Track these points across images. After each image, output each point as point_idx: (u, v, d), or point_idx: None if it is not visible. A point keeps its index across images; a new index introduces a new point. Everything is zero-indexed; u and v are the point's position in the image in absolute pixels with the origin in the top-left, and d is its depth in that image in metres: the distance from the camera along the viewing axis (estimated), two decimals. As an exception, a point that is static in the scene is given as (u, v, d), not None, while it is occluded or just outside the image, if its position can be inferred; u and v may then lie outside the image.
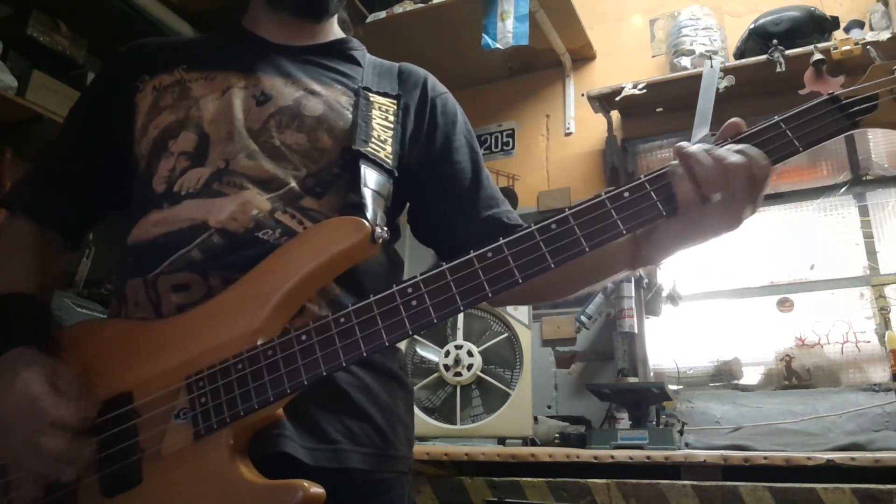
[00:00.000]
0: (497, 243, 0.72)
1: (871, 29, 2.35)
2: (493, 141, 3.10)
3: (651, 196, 0.71)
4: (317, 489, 0.66)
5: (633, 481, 1.69)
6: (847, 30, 2.39)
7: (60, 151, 1.00)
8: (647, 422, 2.06)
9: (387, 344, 0.71)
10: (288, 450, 0.73)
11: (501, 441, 2.15)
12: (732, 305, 2.53)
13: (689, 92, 2.38)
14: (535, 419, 2.21)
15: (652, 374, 2.53)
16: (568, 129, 2.95)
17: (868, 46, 2.19)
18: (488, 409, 2.19)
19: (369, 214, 0.81)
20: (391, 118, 0.93)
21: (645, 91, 2.53)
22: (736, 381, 2.42)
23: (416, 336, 2.26)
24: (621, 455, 1.77)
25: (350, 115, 0.90)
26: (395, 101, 0.95)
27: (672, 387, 2.39)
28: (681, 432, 2.03)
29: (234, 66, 0.93)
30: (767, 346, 2.43)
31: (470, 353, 2.23)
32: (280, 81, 0.92)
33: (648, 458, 1.75)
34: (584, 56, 3.00)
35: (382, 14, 2.70)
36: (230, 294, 0.77)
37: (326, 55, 0.98)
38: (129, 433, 0.74)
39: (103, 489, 0.73)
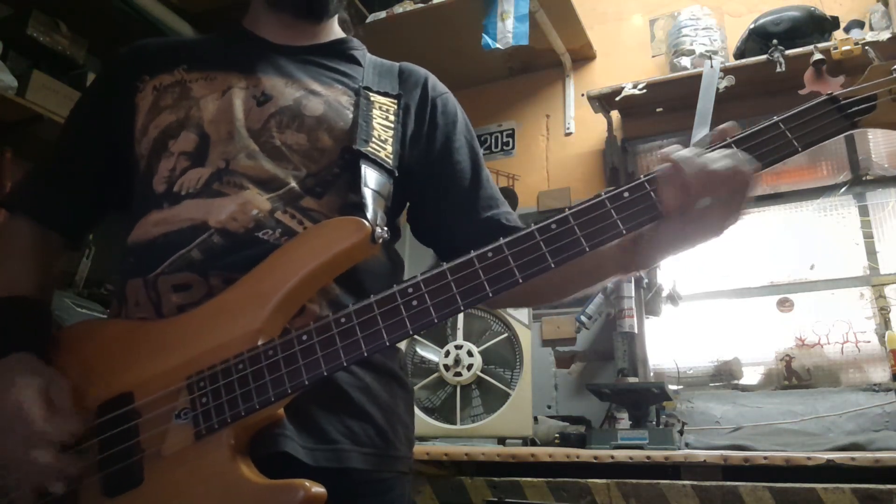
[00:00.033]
0: (497, 243, 0.72)
1: (871, 29, 2.35)
2: (493, 141, 3.10)
3: (651, 196, 0.71)
4: (318, 489, 0.66)
5: (633, 481, 1.68)
6: (847, 30, 2.39)
7: (61, 151, 1.00)
8: (647, 422, 2.06)
9: (387, 344, 0.71)
10: (288, 450, 0.73)
11: (501, 441, 2.15)
12: (732, 305, 2.53)
13: (689, 92, 2.39)
14: (535, 419, 2.21)
15: (652, 374, 2.53)
16: (568, 129, 2.94)
17: (867, 47, 2.19)
18: (488, 409, 2.19)
19: (369, 214, 0.81)
20: (392, 118, 0.93)
21: (645, 91, 2.53)
22: (736, 381, 2.42)
23: (416, 336, 2.26)
24: (621, 455, 1.77)
25: (350, 115, 0.90)
26: (396, 101, 0.95)
27: (672, 387, 2.39)
28: (681, 432, 2.03)
29: (234, 66, 0.93)
30: (767, 346, 2.42)
31: (470, 353, 2.23)
32: (280, 81, 0.92)
33: (648, 458, 1.75)
34: (584, 56, 2.99)
35: (382, 14, 2.70)
36: (231, 294, 0.77)
37: (327, 55, 0.98)
38: (130, 433, 0.74)
39: (104, 489, 0.73)
